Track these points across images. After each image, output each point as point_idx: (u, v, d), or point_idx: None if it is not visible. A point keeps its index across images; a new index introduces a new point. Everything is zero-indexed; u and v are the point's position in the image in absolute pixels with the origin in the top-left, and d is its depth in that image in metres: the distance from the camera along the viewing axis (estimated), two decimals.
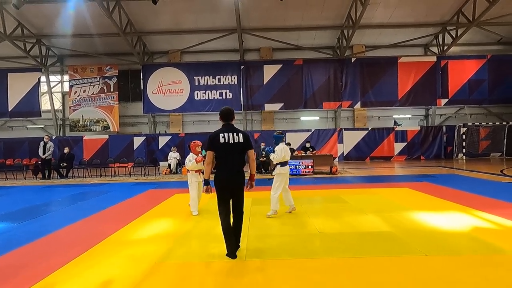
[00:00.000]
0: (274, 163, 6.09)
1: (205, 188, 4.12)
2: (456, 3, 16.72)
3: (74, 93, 19.70)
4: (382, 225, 5.37)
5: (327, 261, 3.90)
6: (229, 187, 4.04)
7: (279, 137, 6.20)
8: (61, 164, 14.15)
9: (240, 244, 4.25)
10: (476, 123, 19.12)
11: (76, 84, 19.71)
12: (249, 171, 4.24)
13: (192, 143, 6.51)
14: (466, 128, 18.65)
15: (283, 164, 6.06)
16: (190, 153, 6.42)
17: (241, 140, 4.02)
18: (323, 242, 4.59)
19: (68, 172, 14.41)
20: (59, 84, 21.16)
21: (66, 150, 14.81)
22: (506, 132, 18.79)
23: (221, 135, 3.98)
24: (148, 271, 3.73)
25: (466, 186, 8.93)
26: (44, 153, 13.46)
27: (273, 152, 6.07)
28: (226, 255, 4.01)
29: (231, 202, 4.11)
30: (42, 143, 13.56)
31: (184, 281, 3.47)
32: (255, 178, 4.28)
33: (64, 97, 21.04)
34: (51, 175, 13.98)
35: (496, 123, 19.30)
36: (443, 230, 4.97)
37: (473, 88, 19.27)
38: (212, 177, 4.07)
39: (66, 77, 20.56)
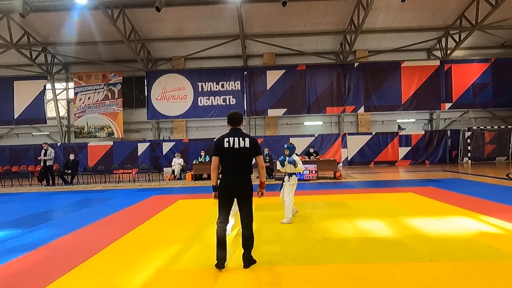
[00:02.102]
0: (297, 171, 6.21)
1: (213, 195, 3.94)
2: (458, 7, 16.72)
3: (79, 100, 19.88)
4: (386, 230, 5.33)
5: (331, 267, 3.87)
6: (231, 193, 3.86)
7: (294, 148, 6.36)
8: (66, 171, 14.25)
9: (252, 256, 3.94)
10: (481, 127, 19.02)
11: (81, 91, 19.90)
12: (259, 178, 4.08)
13: None
14: (471, 132, 18.54)
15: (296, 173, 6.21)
16: None
17: (247, 145, 3.80)
18: (327, 248, 4.55)
19: (73, 179, 14.49)
20: (64, 92, 21.37)
21: (71, 156, 14.90)
22: (511, 136, 18.62)
23: (226, 139, 3.81)
24: (152, 277, 3.73)
25: (472, 191, 8.85)
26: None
27: (290, 161, 6.12)
28: (215, 265, 3.83)
29: (239, 213, 3.95)
30: (42, 151, 13.62)
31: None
32: (265, 185, 4.06)
33: (69, 104, 21.24)
34: (56, 182, 14.07)
35: (502, 126, 19.18)
36: (448, 235, 4.92)
37: (477, 91, 19.18)
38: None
39: (71, 84, 20.77)
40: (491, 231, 5.08)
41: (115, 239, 5.23)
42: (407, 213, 6.40)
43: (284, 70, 19.40)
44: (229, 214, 3.97)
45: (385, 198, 8.22)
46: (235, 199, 3.93)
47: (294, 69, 19.40)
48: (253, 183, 3.91)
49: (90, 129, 19.92)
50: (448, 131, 19.44)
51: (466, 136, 18.48)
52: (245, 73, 19.49)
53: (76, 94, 19.95)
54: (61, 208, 8.75)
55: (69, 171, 14.28)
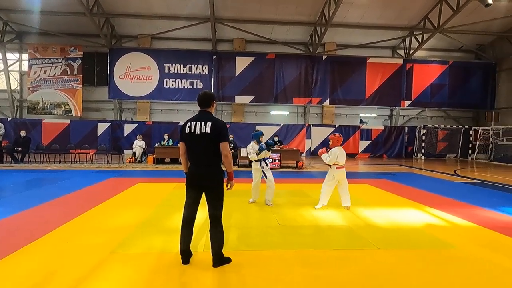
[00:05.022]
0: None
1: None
2: (423, 9, 17.36)
3: (34, 73, 18.54)
4: (339, 219, 5.54)
5: (284, 253, 3.97)
6: (195, 184, 3.52)
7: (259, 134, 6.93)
8: (16, 148, 13.36)
9: (223, 255, 3.61)
10: (435, 125, 20.16)
11: (36, 64, 18.56)
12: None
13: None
14: (426, 130, 19.59)
15: None
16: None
17: (208, 130, 3.38)
18: (282, 235, 4.66)
19: (24, 157, 13.62)
20: (17, 63, 19.82)
21: (22, 133, 13.96)
22: (461, 135, 19.95)
23: (188, 124, 3.50)
24: (101, 260, 3.62)
25: (422, 185, 9.41)
26: None
27: (270, 143, 6.78)
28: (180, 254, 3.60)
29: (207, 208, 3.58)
30: None
31: (137, 272, 3.39)
32: (233, 176, 3.63)
33: (23, 77, 19.73)
34: (4, 159, 13.18)
35: (454, 126, 20.47)
36: (396, 225, 5.21)
37: (434, 91, 20.22)
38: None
39: (25, 56, 19.28)
40: (435, 223, 5.44)
41: (65, 221, 5.01)
42: (361, 204, 6.69)
43: (254, 58, 19.26)
44: (195, 211, 3.58)
45: None
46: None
47: (263, 57, 19.32)
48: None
49: (45, 105, 18.70)
50: (406, 128, 20.42)
51: (421, 133, 19.51)
52: (214, 57, 19.12)
53: (30, 66, 18.56)
54: (8, 187, 8.22)
55: (20, 148, 13.40)
